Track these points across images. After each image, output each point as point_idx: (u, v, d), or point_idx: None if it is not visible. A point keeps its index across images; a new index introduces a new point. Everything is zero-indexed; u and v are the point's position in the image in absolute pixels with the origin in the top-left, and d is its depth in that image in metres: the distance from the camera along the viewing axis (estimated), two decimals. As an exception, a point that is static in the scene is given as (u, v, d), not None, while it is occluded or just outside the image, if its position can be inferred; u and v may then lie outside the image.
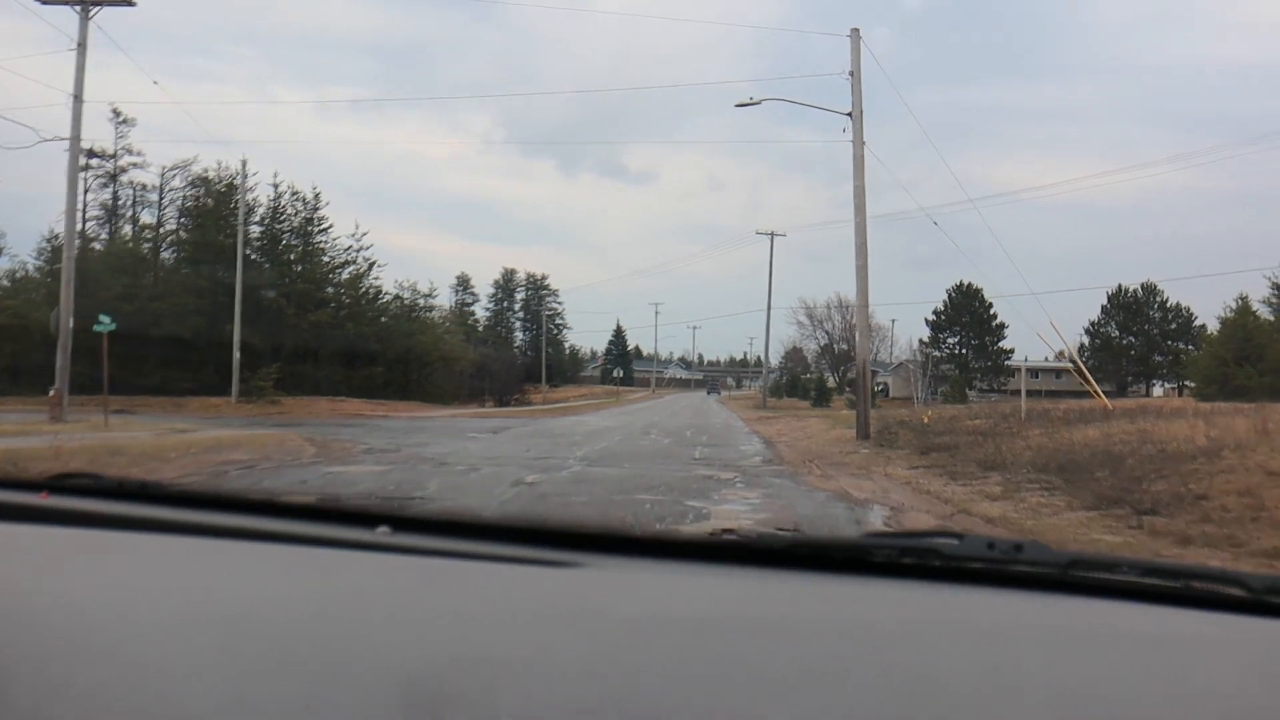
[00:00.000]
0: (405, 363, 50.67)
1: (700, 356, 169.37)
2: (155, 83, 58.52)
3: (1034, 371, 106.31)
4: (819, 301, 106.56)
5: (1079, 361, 31.58)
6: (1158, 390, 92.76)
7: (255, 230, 47.69)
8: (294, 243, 48.83)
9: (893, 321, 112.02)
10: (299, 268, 47.83)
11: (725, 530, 1.42)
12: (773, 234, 61.07)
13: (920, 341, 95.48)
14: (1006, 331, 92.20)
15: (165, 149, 71.34)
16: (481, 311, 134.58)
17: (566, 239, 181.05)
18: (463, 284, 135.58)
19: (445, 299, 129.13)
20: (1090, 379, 30.29)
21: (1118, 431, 16.76)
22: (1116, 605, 1.27)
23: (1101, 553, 1.65)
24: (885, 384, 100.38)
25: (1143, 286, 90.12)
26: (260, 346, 42.37)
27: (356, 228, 59.87)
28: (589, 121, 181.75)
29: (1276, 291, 56.52)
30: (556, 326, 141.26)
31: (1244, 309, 58.64)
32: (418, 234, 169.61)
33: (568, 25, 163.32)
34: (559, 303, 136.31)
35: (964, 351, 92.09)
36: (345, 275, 50.29)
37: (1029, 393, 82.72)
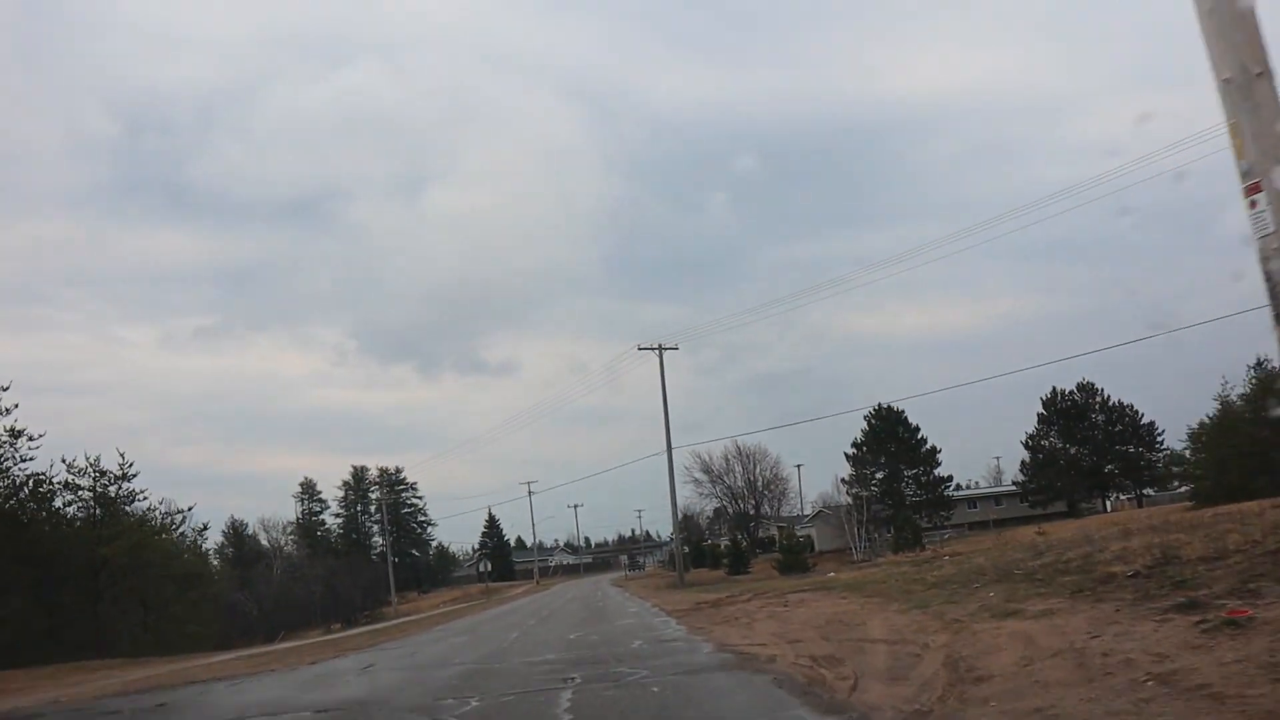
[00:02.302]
0: (102, 596, 30.96)
1: (587, 540, 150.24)
2: None
3: (971, 501, 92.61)
4: (714, 455, 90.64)
5: None
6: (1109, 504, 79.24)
7: None
8: None
9: (798, 467, 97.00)
10: None
11: None
12: (660, 346, 45.01)
13: (842, 480, 79.59)
14: (940, 457, 77.60)
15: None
16: (333, 519, 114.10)
17: (436, 439, 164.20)
18: (308, 491, 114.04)
19: (289, 512, 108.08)
20: None
21: None
22: None
23: None
24: (808, 536, 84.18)
25: (1079, 387, 77.31)
26: None
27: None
28: (442, 322, 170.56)
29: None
30: (419, 525, 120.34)
31: (1271, 376, 45.16)
32: (281, 455, 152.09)
33: (408, 229, 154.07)
34: (419, 498, 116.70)
35: (900, 485, 76.34)
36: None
37: (974, 525, 67.07)
